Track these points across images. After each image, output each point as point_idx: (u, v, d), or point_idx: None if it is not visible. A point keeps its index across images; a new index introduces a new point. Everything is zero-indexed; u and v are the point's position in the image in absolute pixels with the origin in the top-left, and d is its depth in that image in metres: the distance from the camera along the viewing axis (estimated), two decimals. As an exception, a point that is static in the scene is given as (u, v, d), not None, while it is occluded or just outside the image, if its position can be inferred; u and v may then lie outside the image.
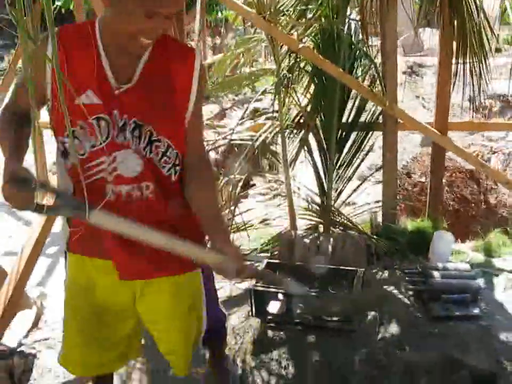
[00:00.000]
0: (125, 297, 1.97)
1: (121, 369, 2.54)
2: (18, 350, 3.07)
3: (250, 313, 3.38)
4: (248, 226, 4.35)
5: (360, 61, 4.26)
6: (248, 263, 1.83)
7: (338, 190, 4.47)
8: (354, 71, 4.25)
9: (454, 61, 4.16)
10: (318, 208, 4.50)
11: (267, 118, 4.37)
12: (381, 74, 4.15)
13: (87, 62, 1.66)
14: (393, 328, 3.28)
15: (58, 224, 2.69)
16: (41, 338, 3.30)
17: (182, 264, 1.88)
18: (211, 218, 1.85)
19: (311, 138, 4.40)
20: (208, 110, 9.15)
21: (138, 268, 1.87)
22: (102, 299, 1.96)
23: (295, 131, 4.40)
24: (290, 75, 4.21)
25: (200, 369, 2.75)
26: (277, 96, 4.11)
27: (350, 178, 4.47)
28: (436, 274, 3.70)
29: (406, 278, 3.83)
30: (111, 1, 1.57)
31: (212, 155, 6.35)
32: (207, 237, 1.96)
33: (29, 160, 1.74)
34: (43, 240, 3.28)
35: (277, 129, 4.19)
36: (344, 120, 4.31)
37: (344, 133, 4.34)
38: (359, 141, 4.41)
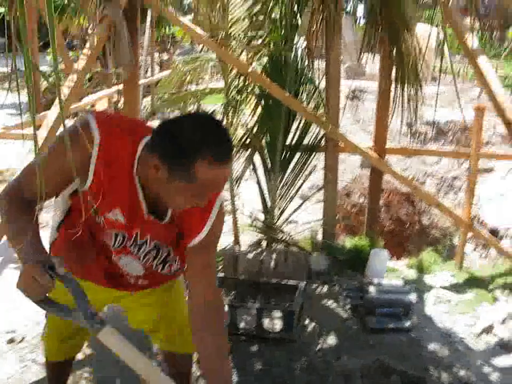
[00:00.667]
0: (103, 297, 2.08)
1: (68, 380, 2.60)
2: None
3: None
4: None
5: (306, 85, 4.47)
6: None
7: (281, 208, 4.64)
8: (300, 95, 4.46)
9: (393, 87, 4.39)
10: (261, 225, 4.65)
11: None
12: (324, 99, 4.36)
13: (122, 182, 1.66)
14: (331, 339, 3.48)
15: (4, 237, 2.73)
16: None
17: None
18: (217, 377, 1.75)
19: (257, 158, 4.57)
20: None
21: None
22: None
23: (241, 150, 4.56)
24: (238, 96, 4.37)
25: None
26: (225, 117, 4.27)
27: (292, 197, 4.65)
28: (372, 289, 3.93)
29: (344, 293, 4.05)
30: (166, 179, 1.54)
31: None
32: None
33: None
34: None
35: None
36: (288, 141, 4.50)
37: (288, 154, 4.52)
38: (302, 161, 4.60)
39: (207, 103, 5.93)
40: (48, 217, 4.18)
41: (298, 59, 4.40)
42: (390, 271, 4.54)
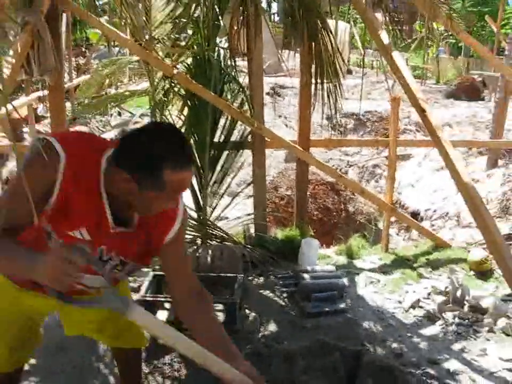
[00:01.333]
0: (46, 304, 2.08)
1: None
2: None
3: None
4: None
5: (230, 84, 4.59)
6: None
7: (213, 205, 4.74)
8: (225, 94, 4.56)
9: (313, 82, 4.54)
10: (195, 223, 4.73)
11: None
12: (248, 97, 4.50)
13: (89, 198, 1.69)
14: (272, 326, 3.63)
15: None
16: None
17: None
18: (219, 339, 1.83)
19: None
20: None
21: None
22: (27, 304, 2.07)
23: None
24: (165, 98, 4.44)
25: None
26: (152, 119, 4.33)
27: (223, 194, 4.76)
28: (306, 276, 4.12)
29: (280, 282, 4.21)
30: (138, 191, 1.62)
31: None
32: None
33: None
34: None
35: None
36: (216, 140, 4.59)
37: (216, 152, 4.62)
38: (231, 159, 4.72)
39: (129, 106, 5.94)
40: None
41: (221, 59, 4.52)
42: (321, 258, 4.75)
